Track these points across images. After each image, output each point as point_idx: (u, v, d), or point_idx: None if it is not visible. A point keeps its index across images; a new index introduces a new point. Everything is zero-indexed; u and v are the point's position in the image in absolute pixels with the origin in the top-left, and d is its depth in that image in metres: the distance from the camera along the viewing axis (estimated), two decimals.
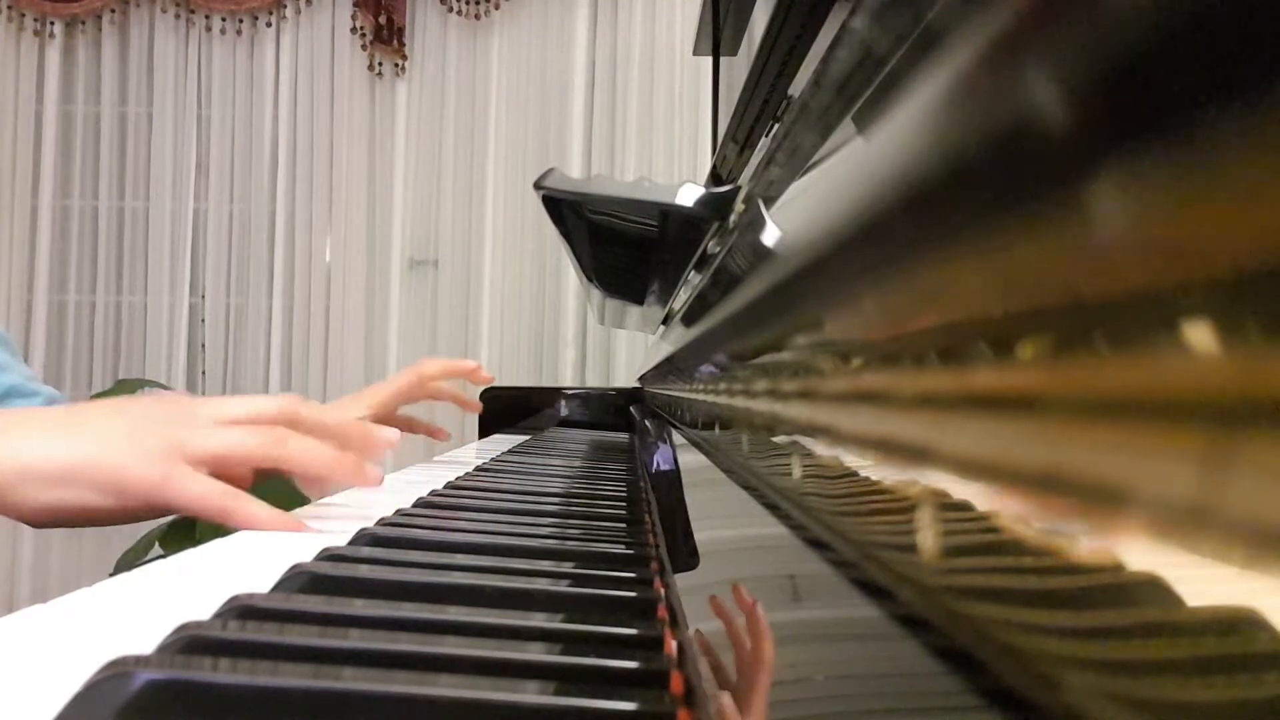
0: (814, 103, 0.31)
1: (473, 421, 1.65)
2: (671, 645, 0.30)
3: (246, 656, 0.27)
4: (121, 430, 0.53)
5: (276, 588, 0.36)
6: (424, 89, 2.62)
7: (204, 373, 2.65)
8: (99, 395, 2.40)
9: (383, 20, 2.57)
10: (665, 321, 0.93)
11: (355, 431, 0.63)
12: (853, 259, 0.20)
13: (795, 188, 0.31)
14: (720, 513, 0.43)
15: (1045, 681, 0.11)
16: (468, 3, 2.56)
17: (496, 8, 2.56)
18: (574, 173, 1.96)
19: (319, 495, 0.67)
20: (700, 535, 0.43)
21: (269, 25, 2.64)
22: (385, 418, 0.99)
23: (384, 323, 2.62)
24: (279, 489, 0.85)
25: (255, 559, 0.46)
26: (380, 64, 2.61)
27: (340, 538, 0.46)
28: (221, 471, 0.55)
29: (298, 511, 0.59)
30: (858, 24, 0.24)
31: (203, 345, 2.66)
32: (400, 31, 2.58)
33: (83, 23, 2.66)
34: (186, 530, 1.98)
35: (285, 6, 2.63)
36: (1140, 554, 0.09)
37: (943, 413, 0.14)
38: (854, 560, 0.21)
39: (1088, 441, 0.10)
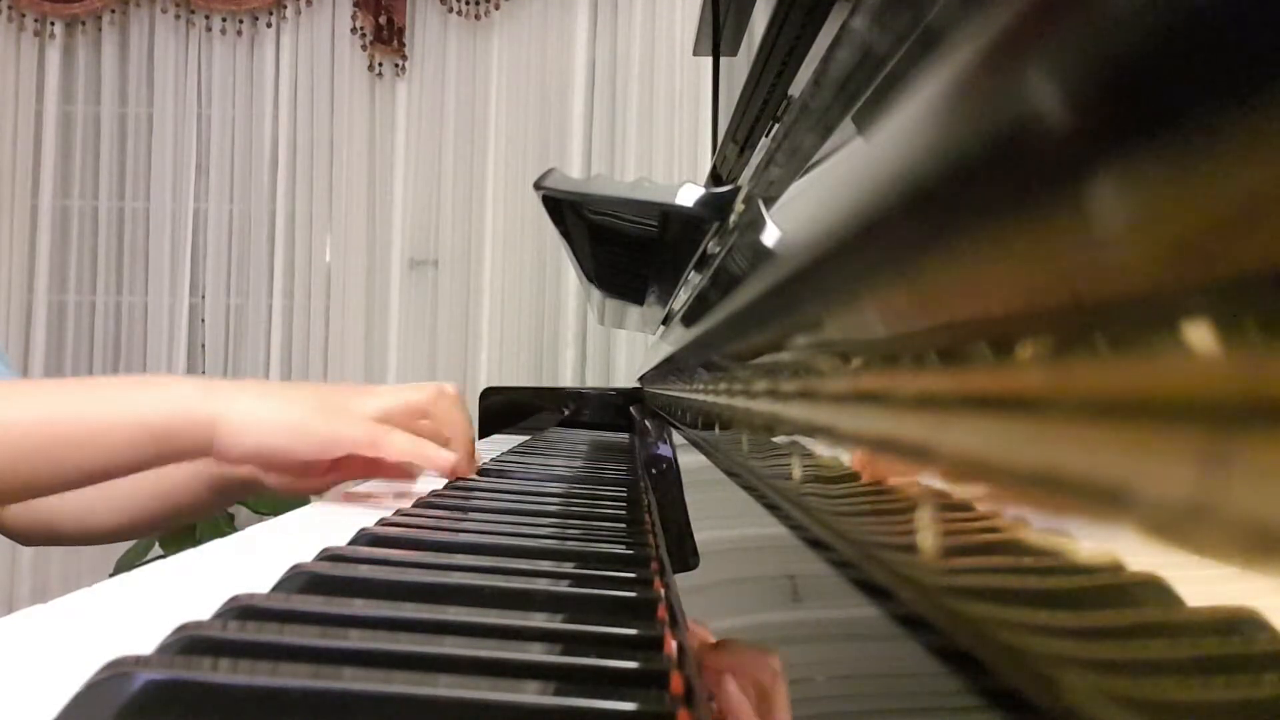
0: (814, 103, 0.31)
1: (473, 422, 1.64)
2: (671, 645, 0.30)
3: (246, 656, 0.27)
4: (330, 403, 0.66)
5: (276, 588, 0.36)
6: (424, 89, 2.61)
7: (204, 373, 2.65)
8: None
9: (383, 20, 2.57)
10: (665, 322, 0.93)
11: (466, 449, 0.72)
12: (852, 259, 0.20)
13: (795, 188, 0.31)
14: (720, 513, 0.43)
15: (1045, 681, 0.11)
16: (468, 3, 2.56)
17: (496, 8, 2.55)
18: (574, 173, 1.96)
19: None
20: (700, 535, 0.43)
21: (269, 25, 2.64)
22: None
23: (384, 323, 2.62)
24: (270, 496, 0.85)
25: (255, 559, 0.46)
26: (380, 64, 2.60)
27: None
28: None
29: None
30: (858, 24, 0.24)
31: (203, 345, 2.66)
32: (400, 31, 2.58)
33: (83, 23, 2.66)
34: (186, 530, 1.98)
35: (285, 6, 2.63)
36: (1140, 554, 0.09)
37: (943, 413, 0.14)
38: (854, 560, 0.21)
39: (1088, 441, 0.10)
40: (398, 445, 0.65)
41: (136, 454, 0.61)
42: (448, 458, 0.67)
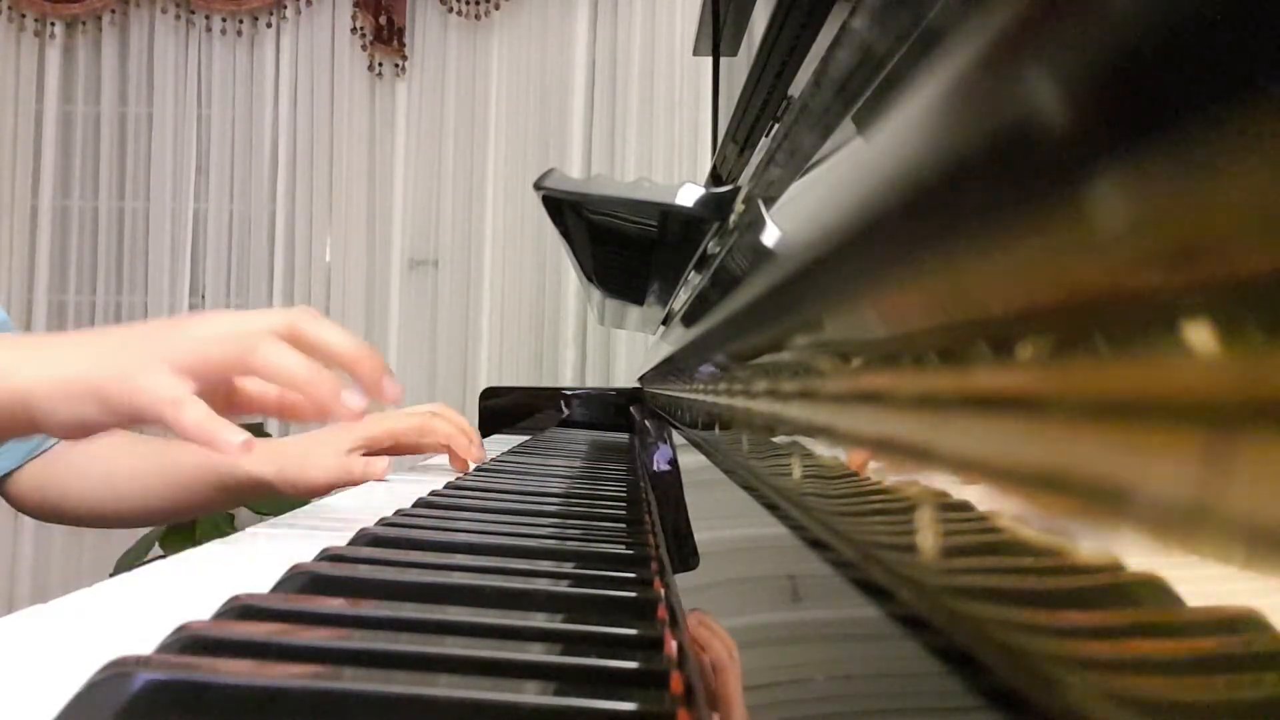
0: (814, 103, 0.31)
1: (472, 422, 1.65)
2: (671, 646, 0.30)
3: (246, 656, 0.27)
4: (113, 346, 0.55)
5: (276, 588, 0.36)
6: (424, 89, 2.61)
7: None
8: None
9: (383, 20, 2.57)
10: (665, 322, 0.93)
11: (364, 360, 0.55)
12: (852, 259, 0.20)
13: (795, 188, 0.31)
14: (720, 513, 0.43)
15: (1045, 681, 0.11)
16: (468, 3, 2.56)
17: (496, 8, 2.55)
18: (574, 173, 1.96)
19: (313, 419, 0.59)
20: (700, 535, 0.43)
21: (269, 25, 2.64)
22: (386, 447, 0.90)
23: (384, 323, 2.61)
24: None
25: (255, 559, 0.46)
26: (380, 64, 2.60)
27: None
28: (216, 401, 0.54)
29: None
30: (858, 24, 0.24)
31: None
32: (400, 31, 2.58)
33: (83, 23, 2.66)
34: (186, 530, 1.98)
35: (285, 6, 2.63)
36: (1140, 554, 0.09)
37: (943, 413, 0.14)
38: (854, 560, 0.21)
39: (1088, 441, 0.10)
40: (188, 419, 0.51)
41: None
42: (235, 444, 0.51)
